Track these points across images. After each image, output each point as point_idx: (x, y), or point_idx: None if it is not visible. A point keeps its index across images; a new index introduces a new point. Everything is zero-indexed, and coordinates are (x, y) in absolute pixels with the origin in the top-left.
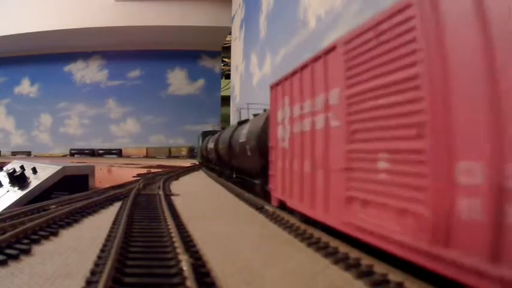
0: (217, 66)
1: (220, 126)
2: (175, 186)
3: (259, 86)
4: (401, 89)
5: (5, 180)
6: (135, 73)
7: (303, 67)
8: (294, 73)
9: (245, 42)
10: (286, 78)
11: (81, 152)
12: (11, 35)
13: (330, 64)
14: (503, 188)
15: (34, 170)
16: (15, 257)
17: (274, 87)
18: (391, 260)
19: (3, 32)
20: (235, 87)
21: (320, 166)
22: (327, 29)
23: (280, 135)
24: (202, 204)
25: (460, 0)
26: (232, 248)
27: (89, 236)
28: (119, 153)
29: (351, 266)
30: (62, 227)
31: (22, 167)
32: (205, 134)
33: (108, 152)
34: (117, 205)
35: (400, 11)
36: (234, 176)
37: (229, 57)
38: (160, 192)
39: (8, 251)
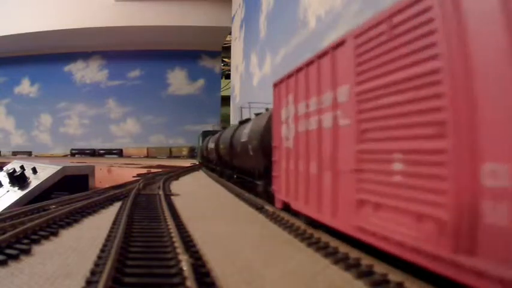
0: (217, 66)
1: (221, 126)
2: (175, 186)
3: (259, 86)
4: (419, 84)
5: (5, 180)
6: (135, 73)
7: (309, 63)
8: (299, 70)
9: (245, 42)
10: (290, 75)
11: (82, 152)
12: (11, 35)
13: (339, 60)
14: None
15: (34, 170)
16: (15, 257)
17: (277, 84)
18: (391, 260)
19: (3, 32)
20: (235, 87)
21: (328, 167)
22: (327, 29)
23: (284, 134)
24: (202, 204)
25: None
26: (232, 248)
27: (89, 236)
28: (119, 153)
29: (351, 266)
30: (62, 227)
31: (22, 167)
32: (206, 134)
33: (109, 152)
34: (117, 205)
35: (416, 1)
36: (235, 176)
37: (229, 57)
38: (160, 192)
39: (8, 251)
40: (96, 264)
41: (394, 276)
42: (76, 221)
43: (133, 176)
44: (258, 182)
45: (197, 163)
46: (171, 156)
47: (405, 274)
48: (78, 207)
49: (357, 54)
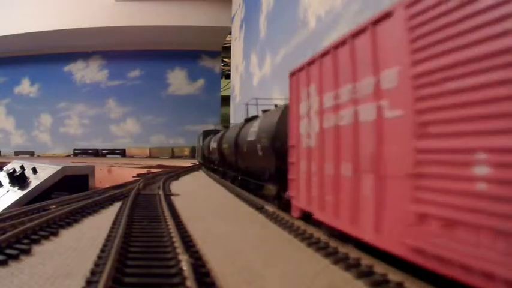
0: (217, 66)
1: (222, 126)
2: (176, 186)
3: (259, 86)
4: None
5: (5, 180)
6: (135, 73)
7: (338, 45)
8: (323, 54)
9: (245, 42)
10: (311, 62)
11: (84, 152)
12: (11, 35)
13: (382, 37)
14: None
15: (34, 170)
16: (15, 257)
17: (295, 74)
18: (391, 260)
19: (3, 32)
20: (235, 87)
21: (368, 170)
22: (327, 29)
23: (304, 131)
24: (202, 204)
25: None
26: (232, 248)
27: (89, 236)
28: (122, 153)
29: (351, 266)
30: (62, 227)
31: (22, 167)
32: (207, 134)
33: (112, 152)
34: (117, 205)
35: None
36: (240, 178)
37: (229, 57)
38: (160, 192)
39: (8, 251)
40: (96, 264)
41: (394, 276)
42: (76, 221)
43: (134, 176)
44: (270, 186)
45: (197, 163)
46: (173, 156)
47: (405, 274)
48: (78, 207)
49: (412, 27)
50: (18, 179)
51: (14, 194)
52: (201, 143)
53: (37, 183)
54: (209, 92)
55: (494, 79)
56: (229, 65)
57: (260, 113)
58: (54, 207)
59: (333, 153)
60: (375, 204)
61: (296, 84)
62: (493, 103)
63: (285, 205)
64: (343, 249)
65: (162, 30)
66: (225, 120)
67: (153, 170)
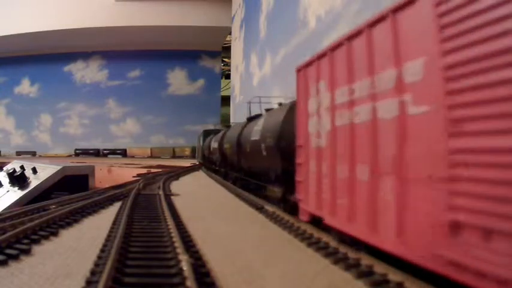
0: (217, 66)
1: (223, 125)
2: (176, 186)
3: (259, 86)
4: None
5: (5, 180)
6: (135, 73)
7: (352, 37)
8: (335, 47)
9: (245, 42)
10: (322, 56)
11: (86, 152)
12: (11, 35)
13: (405, 25)
14: None
15: (34, 170)
16: (15, 257)
17: (302, 69)
18: (391, 260)
19: (3, 32)
20: (235, 87)
21: (388, 172)
22: (327, 29)
23: (313, 130)
24: (202, 204)
25: None
26: (232, 248)
27: (89, 236)
28: (123, 153)
29: (351, 266)
30: (62, 227)
31: (22, 167)
32: (207, 133)
33: (113, 152)
34: (117, 205)
35: None
36: (242, 178)
37: (229, 57)
38: (160, 192)
39: (8, 251)
40: (96, 264)
41: (394, 276)
42: (76, 221)
43: (133, 176)
44: (275, 189)
45: (197, 163)
46: (174, 156)
47: (405, 274)
48: (78, 207)
49: (442, 13)
50: (18, 179)
51: (14, 194)
52: (201, 143)
53: (37, 183)
54: (209, 92)
55: None
56: (229, 65)
57: (263, 112)
58: (54, 207)
59: (346, 153)
60: (396, 210)
61: (304, 80)
62: None
63: (292, 208)
64: (343, 249)
65: (162, 30)
66: (225, 120)
67: (153, 170)
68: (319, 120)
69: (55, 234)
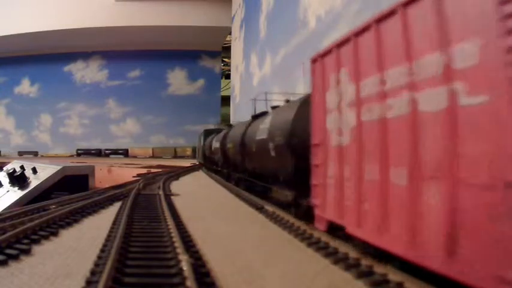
0: (217, 66)
1: (225, 124)
2: (176, 186)
3: (259, 86)
4: None
5: (5, 180)
6: (135, 73)
7: (382, 18)
8: (361, 31)
9: (245, 42)
10: (343, 43)
11: (88, 152)
12: (11, 35)
13: (452, 2)
14: None
15: (34, 170)
16: (15, 257)
17: (319, 59)
18: (391, 260)
19: (3, 32)
20: (235, 87)
21: (434, 175)
22: (327, 29)
23: (333, 126)
24: (202, 204)
25: None
26: (232, 248)
27: (89, 236)
28: (125, 153)
29: (351, 266)
30: (62, 227)
31: (22, 167)
32: (208, 133)
33: (115, 152)
34: (117, 205)
35: None
36: (245, 180)
37: (229, 57)
38: (160, 192)
39: (8, 251)
40: (96, 264)
41: (394, 276)
42: (76, 221)
43: (133, 176)
44: (286, 192)
45: (197, 163)
46: (176, 156)
47: (405, 274)
48: (78, 207)
49: None
50: (18, 179)
51: (14, 194)
52: (201, 143)
53: (37, 183)
54: (209, 92)
55: None
56: (229, 65)
57: (269, 110)
58: (54, 207)
59: (376, 153)
60: (446, 223)
61: (321, 71)
62: None
63: (304, 214)
64: (343, 249)
65: (162, 30)
66: (225, 120)
67: (153, 170)
68: (341, 115)
69: (55, 234)
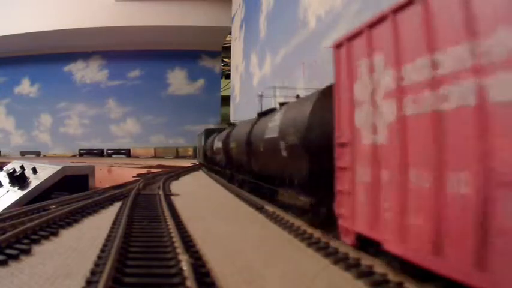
0: (217, 66)
1: (226, 123)
2: (176, 186)
3: (259, 86)
4: None
5: (5, 180)
6: (135, 73)
7: None
8: (402, 7)
9: (245, 42)
10: (377, 22)
11: (90, 152)
12: (11, 35)
13: None
14: None
15: (34, 170)
16: (15, 257)
17: (344, 43)
18: (391, 260)
19: (3, 32)
20: (235, 87)
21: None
22: (327, 29)
23: (364, 122)
24: (202, 204)
25: None
26: (232, 248)
27: (89, 236)
28: (127, 153)
29: (351, 266)
30: (62, 227)
31: (22, 167)
32: (209, 132)
33: (117, 152)
34: (117, 205)
35: None
36: (249, 181)
37: (229, 57)
38: (160, 192)
39: (8, 251)
40: (96, 264)
41: (394, 276)
42: (76, 221)
43: (133, 176)
44: (301, 197)
45: (197, 163)
46: (178, 156)
47: (405, 274)
48: (78, 207)
49: None
50: (18, 179)
51: (14, 194)
52: (202, 143)
53: (37, 183)
54: (209, 92)
55: None
56: (229, 65)
57: (277, 106)
58: (54, 207)
59: (427, 154)
60: None
61: (347, 57)
62: None
63: (323, 223)
64: (343, 249)
65: (162, 30)
66: (225, 120)
67: (153, 170)
68: (375, 108)
69: (55, 234)
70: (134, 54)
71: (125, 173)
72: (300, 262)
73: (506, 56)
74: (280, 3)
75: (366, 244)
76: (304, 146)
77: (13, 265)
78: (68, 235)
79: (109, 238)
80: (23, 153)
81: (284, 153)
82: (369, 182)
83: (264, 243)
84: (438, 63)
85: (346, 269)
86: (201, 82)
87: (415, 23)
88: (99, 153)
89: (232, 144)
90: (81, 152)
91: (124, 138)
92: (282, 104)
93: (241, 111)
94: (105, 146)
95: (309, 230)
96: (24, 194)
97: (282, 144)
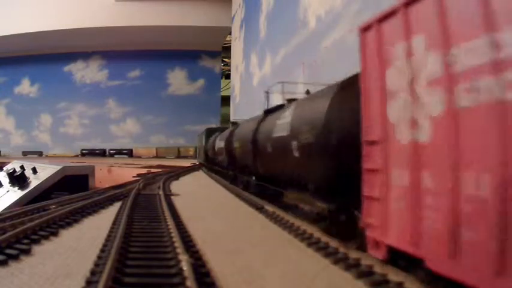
0: (217, 66)
1: (230, 121)
2: (176, 186)
3: (259, 86)
4: None
5: (5, 180)
6: (135, 73)
7: None
8: None
9: (245, 42)
10: (413, 1)
11: (92, 153)
12: (11, 35)
13: None
14: None
15: (34, 170)
16: (15, 257)
17: (374, 25)
18: (391, 260)
19: (3, 32)
20: (235, 87)
21: None
22: (327, 29)
23: (401, 116)
24: (202, 204)
25: None
26: (232, 248)
27: (89, 236)
28: (129, 153)
29: (351, 266)
30: (62, 227)
31: (22, 167)
32: (211, 132)
33: (119, 152)
34: (117, 205)
35: None
36: (256, 183)
37: (229, 57)
38: (160, 192)
39: (8, 251)
40: (96, 264)
41: (394, 276)
42: (76, 221)
43: (133, 176)
44: (319, 203)
45: (197, 163)
46: (179, 156)
47: (405, 274)
48: (78, 207)
49: None
50: (18, 179)
51: (14, 194)
52: (203, 143)
53: (37, 183)
54: (209, 92)
55: None
56: (229, 65)
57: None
58: (54, 207)
59: (488, 156)
60: None
61: (377, 41)
62: None
63: (342, 232)
64: (343, 249)
65: (162, 30)
66: (225, 121)
67: (153, 170)
68: (415, 99)
69: (55, 234)
70: (134, 54)
71: (124, 173)
72: (300, 262)
73: None
74: (280, 3)
75: (397, 256)
76: (321, 145)
77: (13, 265)
78: (68, 235)
79: (109, 238)
80: (25, 153)
81: (296, 154)
82: (407, 186)
83: (264, 243)
84: (498, 44)
85: (346, 269)
86: (201, 82)
87: None
88: (102, 153)
89: (236, 144)
90: (84, 152)
91: (124, 138)
92: (289, 101)
93: (241, 111)
94: (105, 146)
95: (309, 230)
96: (24, 194)
97: (294, 144)
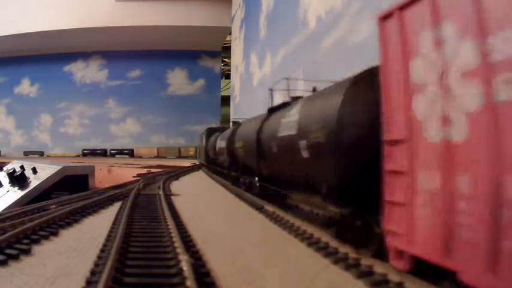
0: (217, 66)
1: (232, 121)
2: (176, 186)
3: (259, 86)
4: None
5: (5, 180)
6: (135, 73)
7: None
8: None
9: (245, 42)
10: None
11: (93, 153)
12: (11, 35)
13: None
14: None
15: (34, 170)
16: (15, 257)
17: (395, 13)
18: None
19: (3, 32)
20: (235, 87)
21: None
22: (327, 29)
23: (428, 112)
24: (203, 204)
25: None
26: (232, 248)
27: (89, 236)
28: (131, 153)
29: (351, 266)
30: (62, 227)
31: (22, 167)
32: (211, 131)
33: (121, 152)
34: (117, 205)
35: None
36: (260, 185)
37: (229, 57)
38: (160, 192)
39: (8, 251)
40: (96, 264)
41: (394, 276)
42: (76, 221)
43: (133, 176)
44: (331, 207)
45: (197, 163)
46: (180, 156)
47: (405, 274)
48: (78, 207)
49: None
50: (18, 179)
51: (14, 194)
52: (203, 143)
53: (37, 183)
54: (209, 92)
55: None
56: (229, 65)
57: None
58: (54, 207)
59: None
60: None
61: (400, 30)
62: None
63: (356, 238)
64: (343, 249)
65: (162, 30)
66: (225, 121)
67: (153, 170)
68: (446, 93)
69: (55, 234)
70: (134, 54)
71: (125, 173)
72: (300, 262)
73: None
74: (280, 4)
75: (422, 266)
76: (333, 144)
77: (13, 265)
78: (68, 235)
79: (109, 238)
80: (26, 153)
81: (305, 154)
82: (437, 191)
83: (264, 243)
84: None
85: (346, 269)
86: (201, 82)
87: None
88: (103, 153)
89: (238, 144)
90: (85, 152)
91: (124, 138)
92: (294, 98)
93: (242, 111)
94: (106, 146)
95: (309, 230)
96: (24, 194)
97: (302, 143)
